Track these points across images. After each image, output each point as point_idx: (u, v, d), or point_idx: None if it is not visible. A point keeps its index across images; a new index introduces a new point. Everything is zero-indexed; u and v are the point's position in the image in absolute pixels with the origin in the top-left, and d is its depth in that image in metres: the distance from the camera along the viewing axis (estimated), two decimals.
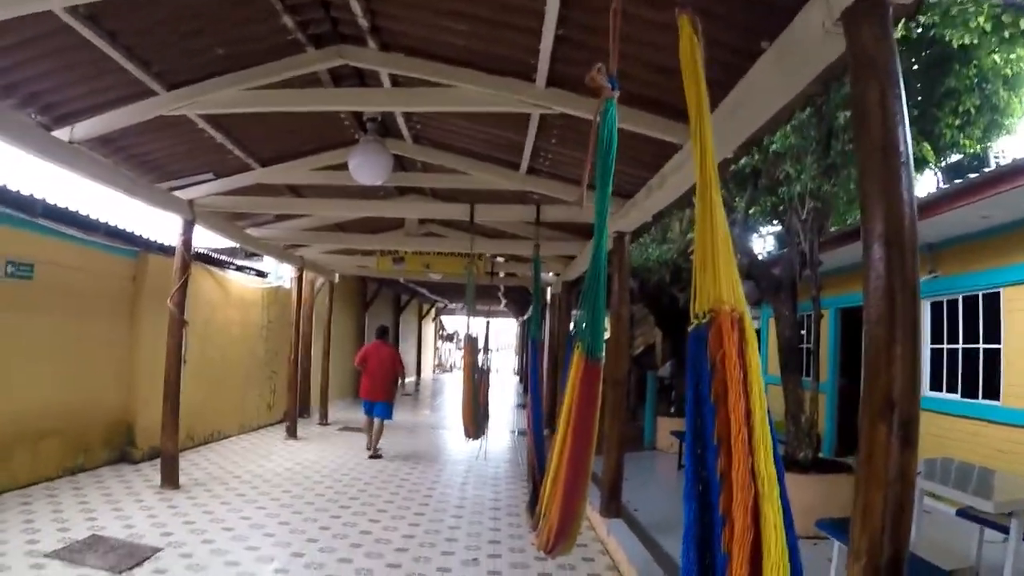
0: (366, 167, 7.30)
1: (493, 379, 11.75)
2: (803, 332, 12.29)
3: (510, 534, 7.69)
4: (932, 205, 7.99)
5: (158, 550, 6.35)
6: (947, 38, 6.67)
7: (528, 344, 6.94)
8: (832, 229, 9.19)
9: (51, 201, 8.22)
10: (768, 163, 8.33)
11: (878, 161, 2.74)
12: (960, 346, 9.35)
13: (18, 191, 7.75)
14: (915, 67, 7.59)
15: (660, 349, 19.17)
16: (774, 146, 7.77)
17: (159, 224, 10.31)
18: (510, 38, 5.30)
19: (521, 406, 21.43)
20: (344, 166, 7.51)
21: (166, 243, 10.12)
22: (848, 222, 9.42)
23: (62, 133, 6.62)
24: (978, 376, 8.98)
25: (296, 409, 14.04)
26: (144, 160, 8.01)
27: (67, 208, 8.47)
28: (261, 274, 14.82)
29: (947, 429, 9.26)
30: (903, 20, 3.91)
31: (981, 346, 9.00)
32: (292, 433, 13.70)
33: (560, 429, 3.48)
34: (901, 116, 2.75)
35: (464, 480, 10.57)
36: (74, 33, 5.10)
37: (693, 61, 2.47)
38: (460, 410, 9.22)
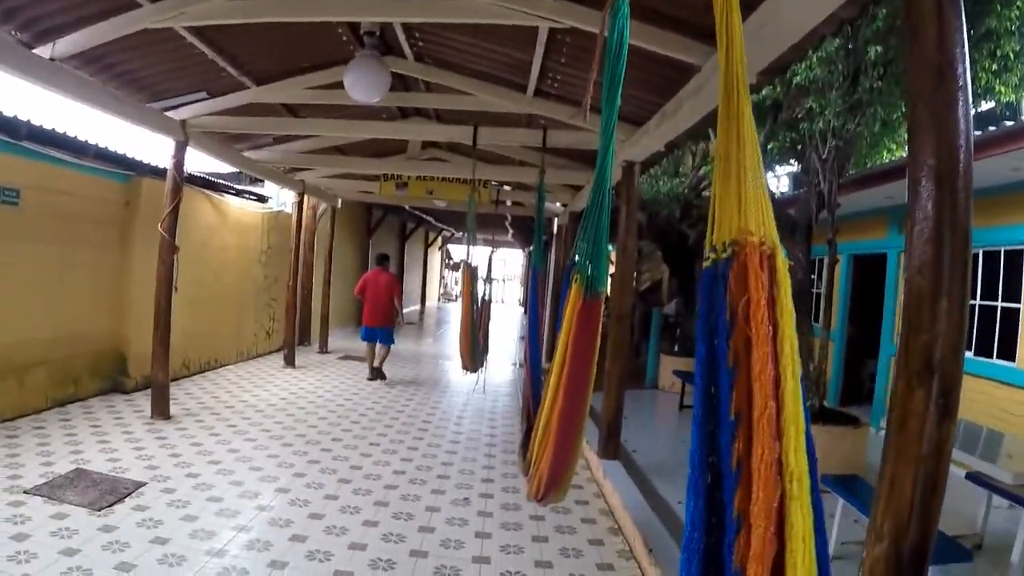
0: (362, 83, 6.94)
1: (496, 310, 11.58)
2: (813, 277, 12.01)
3: (503, 472, 7.55)
4: None
5: (141, 485, 6.20)
6: None
7: (530, 274, 6.66)
8: (852, 172, 8.82)
9: (36, 123, 7.89)
10: (790, 96, 7.98)
11: (931, 83, 2.37)
12: (977, 302, 9.04)
13: (0, 112, 7.42)
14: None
15: (667, 286, 18.93)
16: (797, 78, 7.42)
17: (153, 147, 10.01)
18: None
19: (523, 338, 21.31)
20: (341, 84, 7.17)
21: (160, 166, 9.75)
22: (868, 164, 9.06)
23: (43, 50, 6.28)
24: (994, 335, 8.69)
25: (294, 337, 13.88)
26: (132, 79, 7.64)
27: (54, 130, 8.15)
28: (262, 199, 14.49)
29: (963, 388, 8.99)
30: None
31: (1000, 304, 8.70)
32: (290, 362, 13.56)
33: (553, 371, 3.25)
34: (960, 31, 2.36)
35: (461, 414, 10.44)
36: None
37: None
38: (459, 343, 8.99)
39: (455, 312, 32.56)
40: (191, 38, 6.77)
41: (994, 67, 7.18)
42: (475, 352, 8.80)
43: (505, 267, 46.15)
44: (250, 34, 7.01)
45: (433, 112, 9.82)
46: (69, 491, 5.91)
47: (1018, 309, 8.31)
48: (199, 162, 11.79)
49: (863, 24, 6.98)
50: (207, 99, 8.43)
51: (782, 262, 1.72)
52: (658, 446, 8.90)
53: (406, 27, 7.02)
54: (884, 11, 6.88)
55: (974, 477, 6.57)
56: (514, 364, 16.22)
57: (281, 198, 15.54)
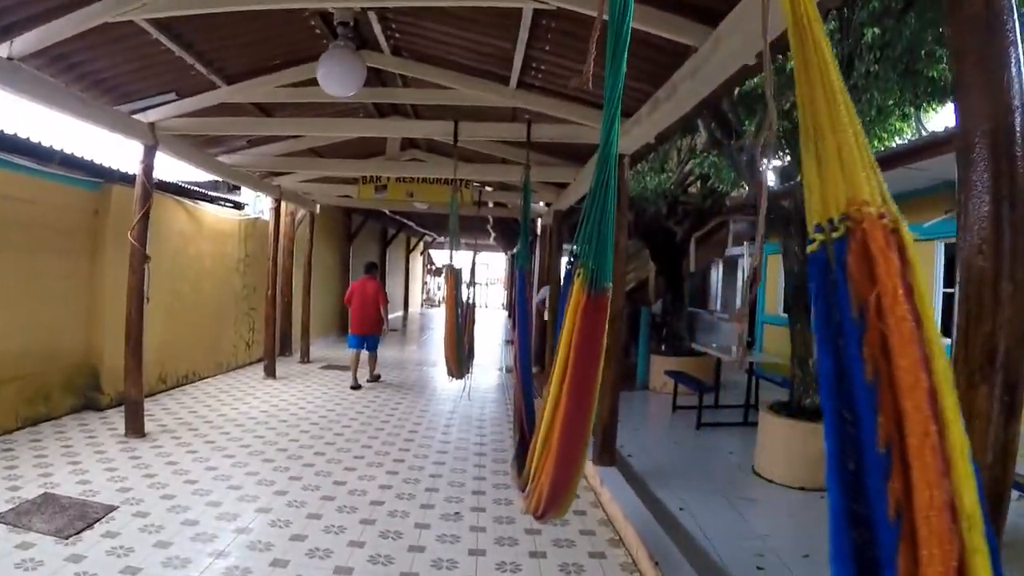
0: (336, 76, 6.58)
1: (480, 314, 11.31)
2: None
3: (495, 483, 7.22)
4: (950, 140, 7.37)
5: (112, 509, 5.84)
6: None
7: (516, 276, 6.32)
8: None
9: (7, 132, 7.56)
10: (781, 84, 7.70)
11: (979, 39, 2.07)
12: None
13: None
14: None
15: (653, 285, 18.69)
16: (791, 65, 7.13)
17: (124, 153, 9.59)
18: None
19: (509, 342, 21.02)
20: (315, 81, 6.83)
21: (131, 173, 9.21)
22: (875, 148, 8.80)
23: (1, 49, 5.93)
24: None
25: (274, 347, 13.49)
26: (98, 79, 7.26)
27: (15, 135, 7.76)
28: (238, 206, 14.11)
29: None
30: None
31: None
32: (270, 372, 13.18)
33: (554, 378, 2.92)
34: None
35: (448, 422, 10.10)
36: None
37: None
38: (443, 348, 8.67)
39: (438, 318, 32.17)
40: (157, 34, 6.40)
41: None
42: (461, 358, 8.49)
43: (488, 271, 45.88)
44: (219, 29, 6.66)
45: (411, 109, 9.47)
46: (36, 518, 5.56)
47: None
48: (176, 170, 11.49)
49: (859, 5, 6.71)
50: (177, 100, 8.07)
51: (909, 236, 1.31)
52: (654, 449, 8.60)
53: (382, 17, 6.68)
54: None
55: None
56: (500, 369, 15.91)
57: (258, 205, 15.14)
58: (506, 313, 34.52)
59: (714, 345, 13.12)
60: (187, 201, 11.61)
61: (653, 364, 13.29)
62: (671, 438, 9.37)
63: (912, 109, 8.04)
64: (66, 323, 9.04)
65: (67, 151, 8.61)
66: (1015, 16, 2.06)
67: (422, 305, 41.23)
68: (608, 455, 7.29)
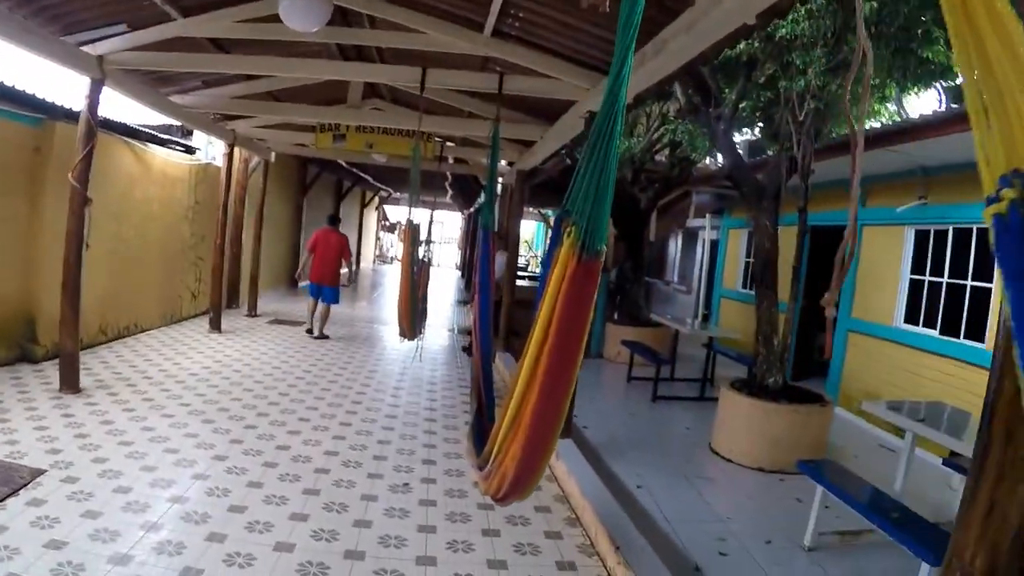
0: (299, 9, 6.14)
1: (434, 273, 11.04)
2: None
3: (446, 452, 6.98)
4: (936, 126, 7.20)
5: (40, 473, 5.46)
6: None
7: (479, 235, 6.01)
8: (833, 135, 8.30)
9: None
10: (770, 52, 7.43)
11: None
12: (944, 280, 8.65)
13: None
14: None
15: (610, 251, 18.52)
16: (782, 31, 6.86)
17: (71, 89, 9.01)
18: None
19: (462, 302, 20.75)
20: (276, 18, 6.40)
21: (77, 110, 8.54)
22: (833, 134, 8.54)
23: None
24: (961, 314, 8.31)
25: (221, 300, 13.05)
26: (43, 5, 6.75)
27: None
28: (190, 150, 13.53)
29: (920, 366, 8.73)
30: None
31: (969, 283, 8.31)
32: (216, 326, 12.74)
33: (530, 349, 2.69)
34: None
35: (398, 384, 9.83)
36: None
37: None
38: (396, 307, 8.35)
39: (390, 275, 31.82)
40: None
41: None
42: (414, 318, 8.18)
43: (442, 229, 45.50)
44: None
45: (377, 53, 9.07)
46: None
47: (989, 289, 7.94)
48: (127, 112, 10.96)
49: None
50: (127, 32, 7.58)
51: None
52: (609, 421, 8.41)
53: None
54: None
55: (952, 463, 6.21)
56: (451, 330, 15.64)
57: (211, 151, 14.59)
58: (459, 273, 34.19)
59: (669, 316, 12.97)
60: (135, 142, 11.05)
61: (608, 332, 13.09)
62: (626, 410, 9.19)
63: (895, 90, 7.82)
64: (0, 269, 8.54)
65: (7, 83, 8.08)
66: None
67: (374, 261, 40.72)
68: (565, 426, 7.05)
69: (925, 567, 4.07)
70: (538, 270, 28.61)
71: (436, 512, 5.51)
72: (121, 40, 7.67)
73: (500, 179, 15.32)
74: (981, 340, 7.94)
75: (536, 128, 9.86)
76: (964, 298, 8.30)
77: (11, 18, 6.53)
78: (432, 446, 7.14)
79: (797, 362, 11.80)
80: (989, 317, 7.82)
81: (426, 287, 8.76)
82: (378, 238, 43.20)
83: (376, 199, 37.03)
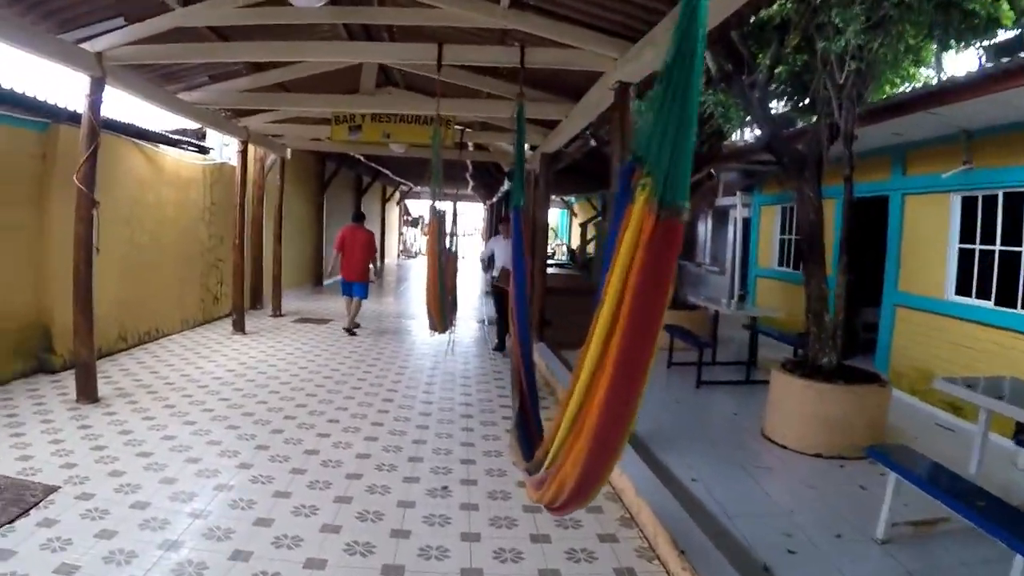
0: None
1: (459, 265, 10.68)
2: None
3: (485, 450, 6.56)
4: (976, 86, 6.60)
5: (53, 490, 5.10)
6: None
7: (511, 216, 5.55)
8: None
9: None
10: (803, 13, 6.95)
11: None
12: (997, 248, 8.09)
13: None
14: None
15: None
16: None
17: (75, 92, 8.62)
18: None
19: (489, 293, 20.40)
20: (280, 1, 5.98)
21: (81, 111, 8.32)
22: (887, 94, 8.02)
23: None
24: (1017, 283, 7.77)
25: (243, 301, 12.73)
26: (36, 2, 6.42)
27: None
28: (203, 150, 13.22)
29: (974, 339, 8.18)
30: None
31: None
32: (239, 328, 12.44)
33: (597, 331, 2.23)
34: None
35: (430, 379, 9.42)
36: None
37: None
38: (424, 300, 7.93)
39: (415, 269, 31.45)
40: None
41: None
42: (444, 310, 7.77)
43: (465, 221, 45.11)
44: None
45: (388, 33, 8.63)
46: None
47: None
48: (142, 118, 10.66)
49: None
50: (126, 26, 7.20)
51: None
52: (653, 409, 7.92)
53: None
54: None
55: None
56: (481, 322, 15.24)
57: (226, 152, 14.26)
58: (484, 264, 33.82)
59: (703, 298, 12.52)
60: (145, 144, 10.72)
61: None
62: (670, 396, 8.70)
63: (932, 52, 7.33)
64: (11, 280, 8.19)
65: (6, 87, 7.73)
66: None
67: (398, 256, 40.37)
68: None
69: (1020, 559, 3.63)
70: (563, 258, 28.18)
71: (479, 517, 5.07)
72: (120, 35, 7.29)
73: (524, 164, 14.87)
74: None
75: (560, 107, 9.35)
76: (1020, 266, 7.74)
77: (5, 17, 6.21)
78: (470, 444, 6.72)
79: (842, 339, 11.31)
80: None
81: (454, 278, 8.36)
82: (401, 233, 42.88)
83: (397, 194, 36.72)
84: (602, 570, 4.38)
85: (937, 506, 4.30)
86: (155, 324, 11.31)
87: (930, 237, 9.13)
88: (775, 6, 6.72)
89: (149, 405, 7.50)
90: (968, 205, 8.63)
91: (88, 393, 7.47)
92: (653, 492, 5.18)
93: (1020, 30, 7.56)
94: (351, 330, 13.01)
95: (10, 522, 4.56)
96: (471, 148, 14.61)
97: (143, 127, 10.75)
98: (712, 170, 14.35)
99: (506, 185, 19.24)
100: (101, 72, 7.45)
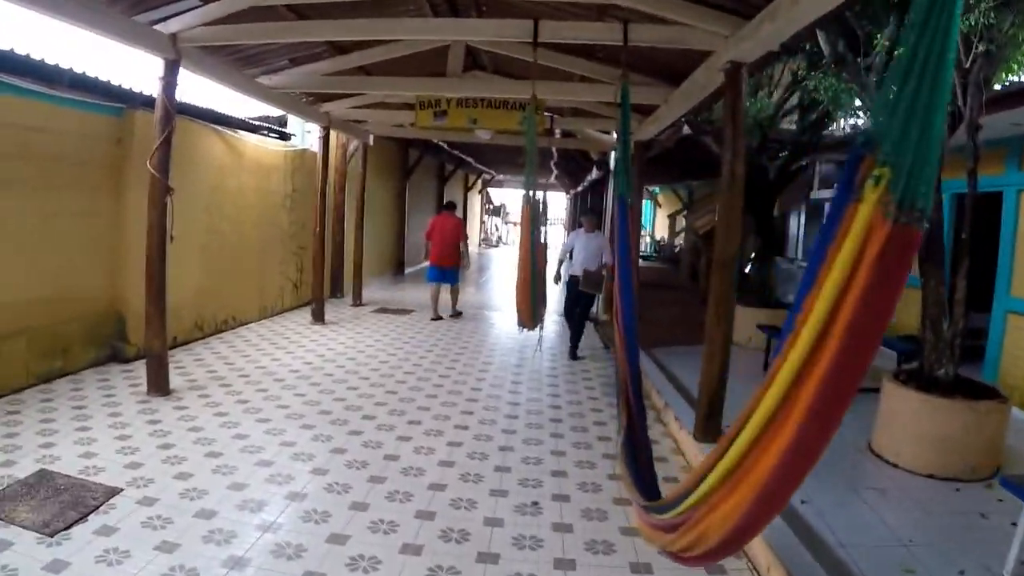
0: None
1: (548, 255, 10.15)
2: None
3: (577, 461, 6.01)
4: None
5: (115, 493, 4.76)
6: None
7: (615, 205, 5.00)
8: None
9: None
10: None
11: None
12: None
13: None
14: None
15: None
16: None
17: (151, 76, 8.33)
18: None
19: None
20: None
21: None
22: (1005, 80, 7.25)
23: None
24: None
25: (322, 289, 12.43)
26: None
27: (10, 51, 6.60)
28: (284, 136, 12.97)
29: None
30: None
31: None
32: (318, 317, 12.15)
33: (787, 368, 1.77)
34: None
35: (516, 379, 8.91)
36: None
37: None
38: (515, 294, 7.37)
39: (497, 258, 31.00)
40: None
41: None
42: (536, 305, 7.23)
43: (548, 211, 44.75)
44: None
45: (475, 5, 8.05)
46: (22, 505, 4.51)
47: None
48: (232, 106, 10.45)
49: None
50: (200, 6, 6.84)
51: None
52: None
53: None
54: None
55: None
56: (562, 315, 14.73)
57: (307, 139, 14.00)
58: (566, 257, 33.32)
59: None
60: (225, 130, 10.48)
61: (739, 316, 11.87)
62: None
63: None
64: (86, 266, 7.98)
65: (78, 71, 7.48)
66: None
67: (480, 245, 40.02)
68: (713, 430, 6.04)
69: None
70: (647, 250, 27.46)
71: (573, 541, 4.53)
72: (194, 15, 6.93)
73: (612, 153, 14.28)
74: None
75: (657, 91, 8.70)
76: None
77: (83, 2, 5.90)
78: (561, 453, 6.19)
79: None
80: None
81: (544, 271, 7.84)
82: (483, 221, 42.59)
83: (479, 182, 36.42)
84: None
85: None
86: (233, 312, 11.07)
87: None
88: None
89: (221, 399, 7.17)
90: None
91: (159, 386, 7.17)
92: None
93: None
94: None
95: (67, 528, 4.23)
96: (558, 135, 14.08)
97: (222, 112, 10.52)
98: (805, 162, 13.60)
99: (594, 174, 18.63)
100: (175, 54, 7.12)
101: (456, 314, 13.71)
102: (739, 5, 5.60)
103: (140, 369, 7.74)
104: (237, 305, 11.21)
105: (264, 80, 9.56)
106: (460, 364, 9.48)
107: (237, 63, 8.94)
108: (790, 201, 18.47)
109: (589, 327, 11.49)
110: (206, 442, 5.89)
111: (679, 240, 22.90)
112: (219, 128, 10.32)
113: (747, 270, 13.82)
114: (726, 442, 2.04)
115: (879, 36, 7.29)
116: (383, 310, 14.00)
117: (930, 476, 5.84)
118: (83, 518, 4.37)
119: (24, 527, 4.20)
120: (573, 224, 31.24)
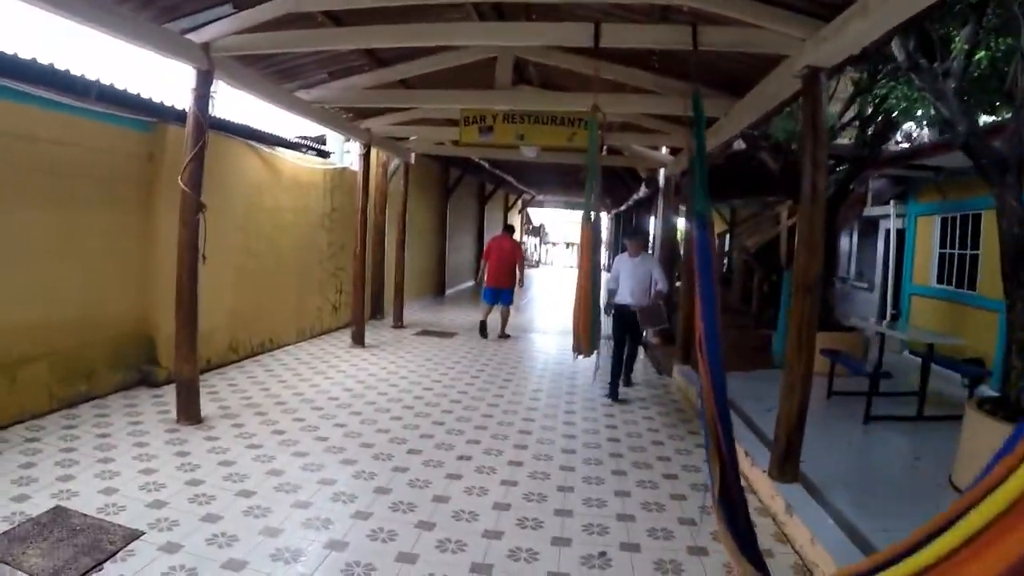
0: None
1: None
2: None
3: (643, 502, 5.42)
4: None
5: (135, 537, 4.26)
6: None
7: (693, 227, 4.44)
8: None
9: (22, 56, 6.07)
10: None
11: None
12: None
13: None
14: None
15: (785, 246, 16.74)
16: None
17: (183, 89, 7.94)
18: None
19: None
20: None
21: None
22: None
23: None
24: None
25: (362, 311, 11.94)
26: None
27: (34, 60, 6.23)
28: (323, 154, 12.58)
29: None
30: None
31: None
32: (358, 340, 11.69)
33: None
34: None
35: (569, 407, 8.34)
36: None
37: None
38: (573, 318, 6.77)
39: (538, 278, 30.46)
40: None
41: None
42: (595, 331, 6.66)
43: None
44: None
45: (525, 8, 7.47)
46: (33, 548, 4.06)
47: None
48: (264, 122, 10.10)
49: None
50: (234, 13, 6.43)
51: None
52: (825, 451, 6.48)
53: None
54: None
55: None
56: (607, 338, 14.15)
57: (347, 158, 13.61)
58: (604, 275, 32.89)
59: (852, 318, 11.17)
60: (261, 146, 10.08)
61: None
62: (839, 434, 7.28)
63: None
64: (114, 287, 7.60)
65: (106, 83, 7.11)
66: None
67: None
68: (791, 468, 5.44)
69: None
70: None
71: None
72: (228, 23, 6.54)
73: (662, 171, 13.73)
74: None
75: (719, 103, 8.09)
76: None
77: (106, 6, 5.51)
78: (625, 493, 5.59)
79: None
80: None
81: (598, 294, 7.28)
82: (522, 242, 42.22)
83: (519, 203, 36.06)
84: None
85: None
86: (270, 335, 10.64)
87: None
88: None
89: (256, 429, 6.68)
90: None
91: (189, 414, 6.72)
92: (834, 543, 4.25)
93: None
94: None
95: None
96: (604, 152, 13.57)
97: (258, 128, 10.14)
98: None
99: (641, 192, 18.02)
100: (208, 64, 6.71)
101: (504, 336, 13.61)
102: (815, 7, 5.07)
103: (170, 394, 7.23)
104: (274, 327, 10.79)
105: (302, 95, 9.13)
106: (508, 392, 8.93)
107: (274, 76, 8.52)
108: (842, 219, 17.84)
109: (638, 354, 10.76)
110: (238, 478, 5.38)
111: (727, 260, 22.29)
112: (255, 144, 9.95)
113: None
114: (964, 501, 1.52)
115: (956, 39, 6.77)
116: (425, 332, 13.56)
117: None
118: (98, 566, 3.90)
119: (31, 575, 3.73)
120: (616, 245, 30.70)
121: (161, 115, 7.94)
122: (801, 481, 5.46)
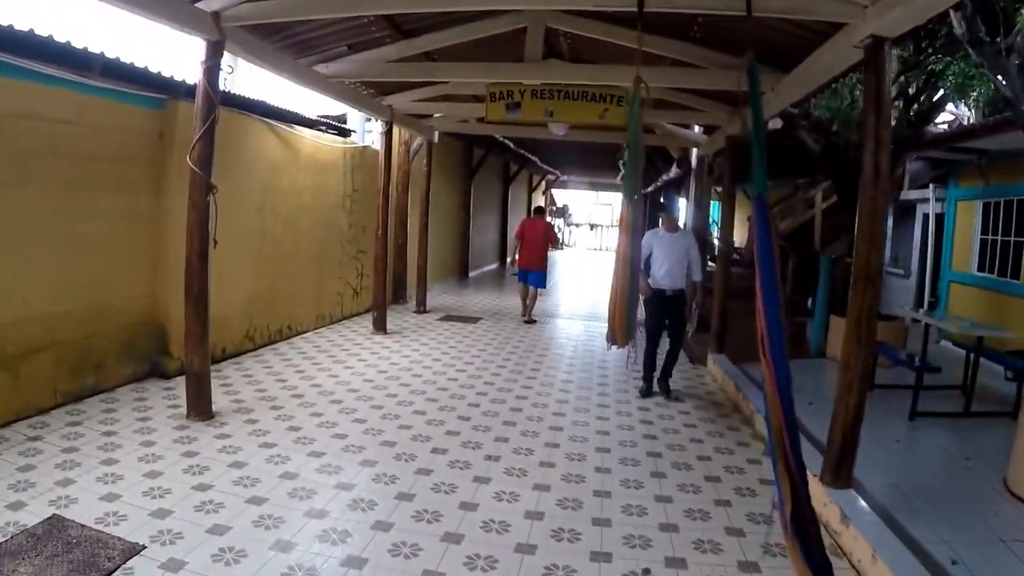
0: None
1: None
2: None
3: (686, 510, 4.99)
4: None
5: (135, 552, 3.88)
6: None
7: (753, 209, 4.00)
8: None
9: (19, 28, 5.62)
10: None
11: None
12: None
13: None
14: None
15: (819, 230, 16.26)
16: None
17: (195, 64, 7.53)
18: None
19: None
20: None
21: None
22: None
23: None
24: None
25: (384, 296, 11.57)
26: None
27: (32, 32, 5.75)
28: (343, 132, 12.18)
29: None
30: None
31: None
32: (380, 326, 11.30)
33: None
34: None
35: (601, 401, 7.91)
36: None
37: None
38: (609, 307, 6.32)
39: (562, 260, 29.96)
40: None
41: None
42: (630, 322, 6.21)
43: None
44: None
45: None
46: (25, 563, 3.71)
47: None
48: (283, 101, 9.91)
49: None
50: None
51: None
52: (873, 451, 5.85)
53: None
54: None
55: None
56: (640, 325, 13.74)
57: (368, 136, 13.20)
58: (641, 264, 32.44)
59: (898, 306, 10.71)
60: (279, 124, 9.70)
61: (834, 327, 10.66)
62: (885, 432, 6.78)
63: None
64: (123, 274, 7.23)
65: (112, 57, 6.68)
66: None
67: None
68: (846, 472, 5.01)
69: None
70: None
71: None
72: None
73: (695, 151, 13.25)
74: None
75: (765, 78, 7.49)
76: None
77: None
78: (667, 499, 5.17)
79: None
80: None
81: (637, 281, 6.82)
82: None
83: (543, 183, 35.69)
84: None
85: None
86: (287, 321, 10.30)
87: None
88: None
89: (270, 426, 6.30)
90: None
91: (200, 409, 6.36)
92: (902, 565, 3.80)
93: None
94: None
95: None
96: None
97: (276, 106, 9.73)
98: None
99: (672, 172, 17.46)
100: (219, 34, 6.25)
101: (531, 321, 13.59)
102: None
103: (182, 386, 6.85)
104: (292, 313, 10.44)
105: (321, 68, 8.70)
106: (537, 383, 8.55)
107: (290, 48, 8.06)
108: None
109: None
110: (249, 483, 5.00)
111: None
112: (272, 122, 9.54)
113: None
114: None
115: (1021, 12, 6.31)
116: (448, 317, 13.23)
117: None
118: None
119: None
120: (646, 222, 30.26)
121: (172, 91, 7.54)
122: (854, 486, 5.04)
